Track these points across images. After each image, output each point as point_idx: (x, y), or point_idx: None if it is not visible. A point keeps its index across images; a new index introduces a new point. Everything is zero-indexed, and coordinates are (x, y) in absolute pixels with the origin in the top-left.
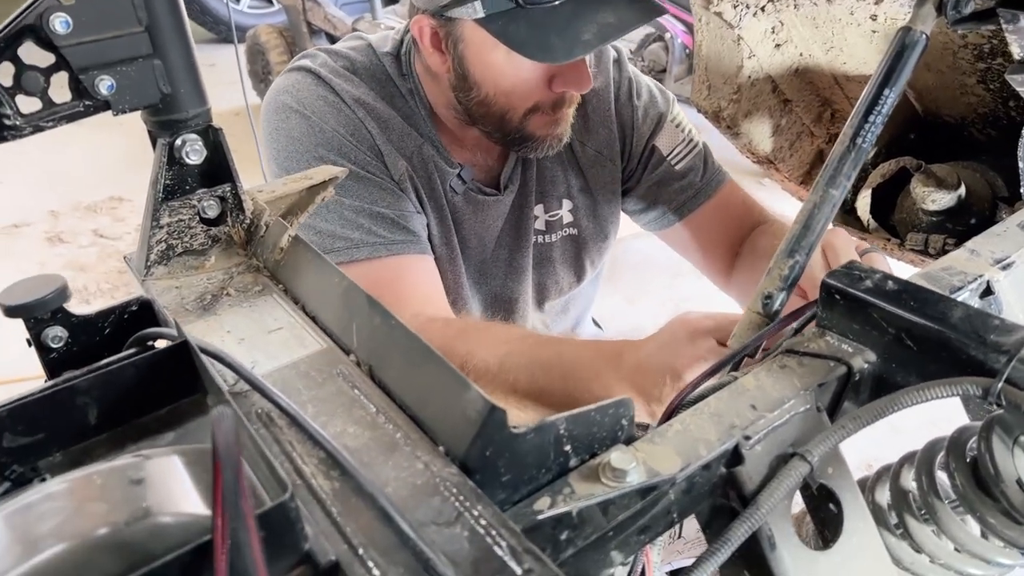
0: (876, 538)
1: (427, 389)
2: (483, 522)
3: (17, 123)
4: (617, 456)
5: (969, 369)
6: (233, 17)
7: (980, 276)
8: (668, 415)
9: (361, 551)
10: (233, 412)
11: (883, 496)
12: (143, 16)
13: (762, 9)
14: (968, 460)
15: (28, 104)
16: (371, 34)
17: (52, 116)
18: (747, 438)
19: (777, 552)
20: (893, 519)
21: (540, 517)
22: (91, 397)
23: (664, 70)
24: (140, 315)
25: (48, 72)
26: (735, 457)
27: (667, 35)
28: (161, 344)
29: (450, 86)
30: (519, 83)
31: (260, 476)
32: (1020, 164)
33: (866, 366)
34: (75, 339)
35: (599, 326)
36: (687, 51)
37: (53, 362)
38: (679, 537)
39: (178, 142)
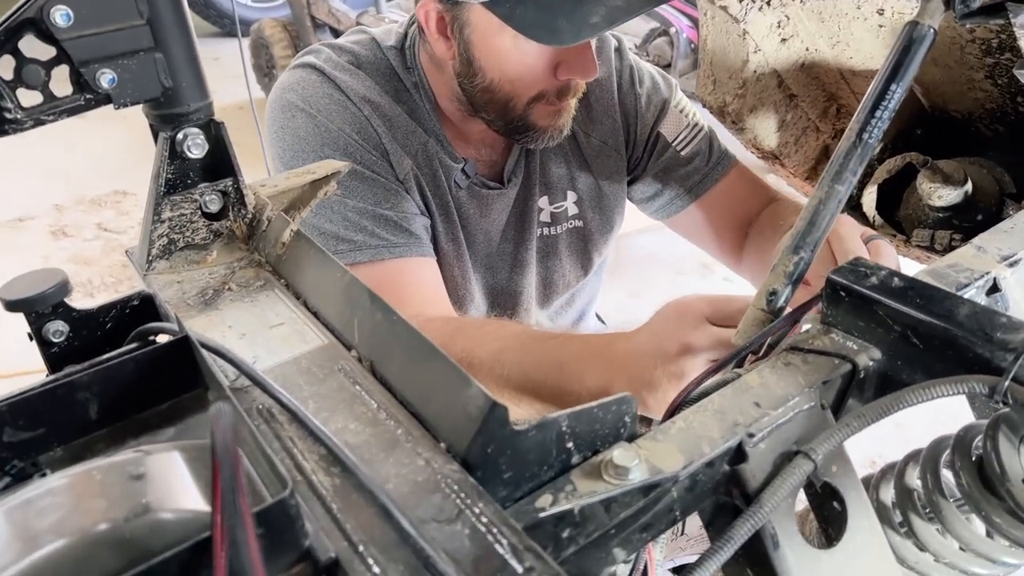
0: (880, 536)
1: (428, 385)
2: (484, 519)
3: (18, 116)
4: (619, 453)
5: (975, 367)
6: (237, 11)
7: (987, 273)
8: (671, 412)
9: (361, 548)
10: (231, 409)
11: (887, 494)
12: (144, 9)
13: (768, 3)
14: (974, 459)
15: (29, 97)
16: (375, 28)
17: (53, 110)
18: (751, 436)
19: (780, 550)
20: (898, 517)
21: (542, 515)
22: (92, 392)
23: (669, 65)
24: (141, 309)
25: (49, 65)
26: (738, 455)
27: (672, 30)
28: (162, 339)
29: (455, 73)
30: (524, 69)
31: (260, 472)
32: None
33: (871, 363)
34: (76, 333)
35: (603, 321)
36: (692, 46)
37: (54, 356)
38: (682, 534)
39: (180, 136)
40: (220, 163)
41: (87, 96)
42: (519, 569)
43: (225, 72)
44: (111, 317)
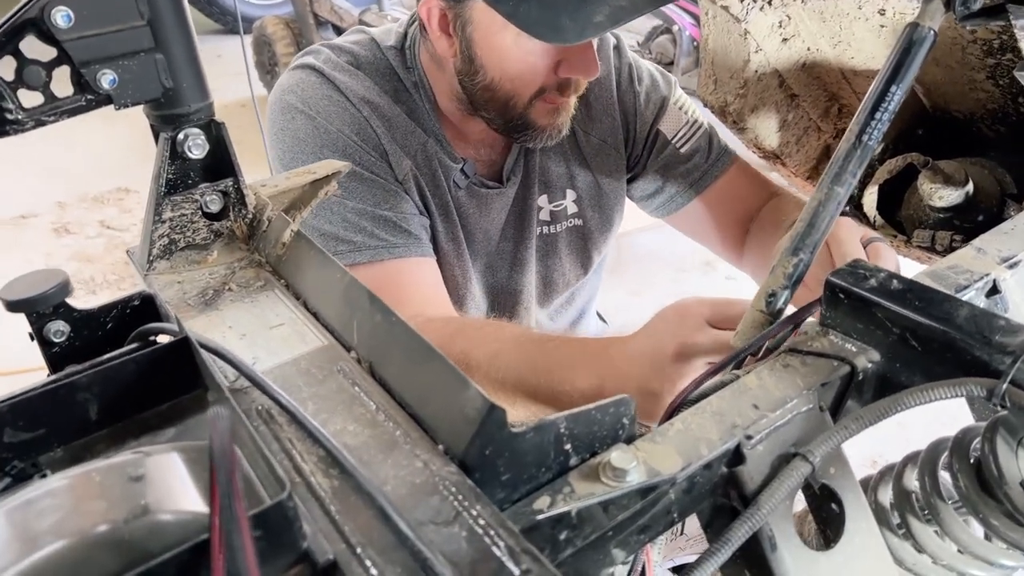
0: (878, 538)
1: (427, 387)
2: (481, 522)
3: (19, 117)
4: (618, 455)
5: (974, 370)
6: (239, 8)
7: (986, 275)
8: (670, 413)
9: (359, 550)
10: (229, 412)
11: (886, 496)
12: (145, 10)
13: (769, 3)
14: (972, 461)
15: (30, 98)
16: (377, 25)
17: (54, 110)
18: (749, 438)
19: (778, 552)
20: (896, 519)
21: (539, 517)
22: (92, 393)
23: (672, 63)
24: (142, 310)
25: (50, 66)
26: (736, 457)
27: (675, 28)
28: (163, 339)
29: (456, 71)
30: (526, 67)
31: (259, 474)
32: None
33: (870, 366)
34: (77, 333)
35: (604, 320)
36: (695, 44)
37: (55, 356)
38: (681, 534)
39: (180, 136)
40: (221, 163)
41: (88, 97)
42: (516, 571)
43: (227, 69)
44: (112, 317)
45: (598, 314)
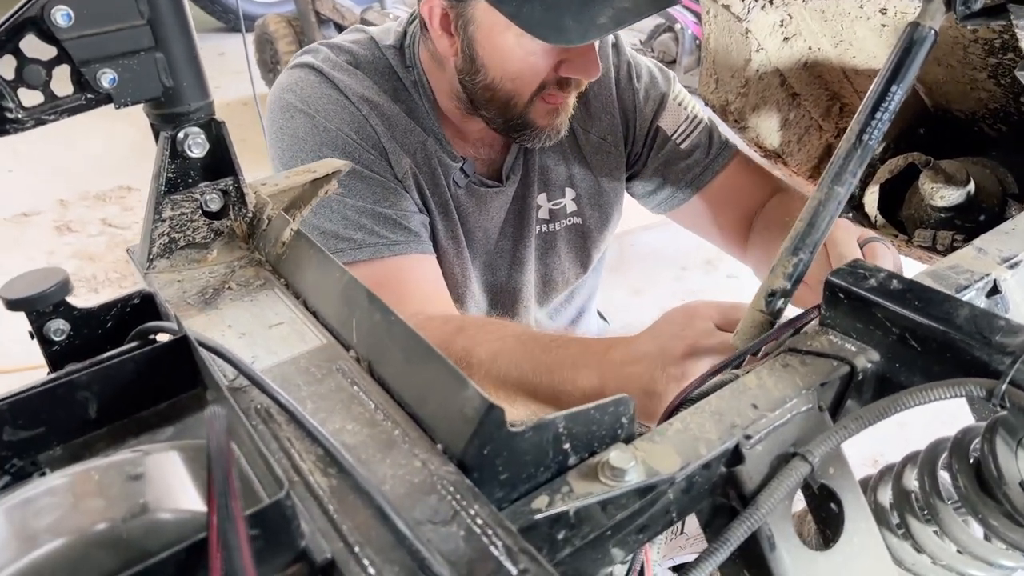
0: (877, 538)
1: (426, 386)
2: (479, 521)
3: (19, 116)
4: (616, 455)
5: (973, 370)
6: (241, 6)
7: (987, 275)
8: (670, 413)
9: (357, 549)
10: (226, 412)
11: (885, 496)
12: (145, 9)
13: (770, 2)
14: (971, 461)
15: (30, 97)
16: (379, 24)
17: (54, 109)
18: (748, 437)
19: (777, 552)
20: (895, 519)
21: (537, 516)
22: (91, 391)
23: (674, 61)
24: (142, 308)
25: (50, 65)
26: (735, 456)
27: (677, 26)
28: (162, 338)
29: (456, 70)
30: (527, 67)
31: (258, 473)
32: None
33: (869, 366)
34: (77, 332)
35: (605, 319)
36: (697, 42)
37: (55, 355)
38: (681, 533)
39: (180, 135)
40: (221, 162)
41: (88, 96)
42: (514, 571)
43: (229, 67)
44: (112, 316)
45: (599, 313)
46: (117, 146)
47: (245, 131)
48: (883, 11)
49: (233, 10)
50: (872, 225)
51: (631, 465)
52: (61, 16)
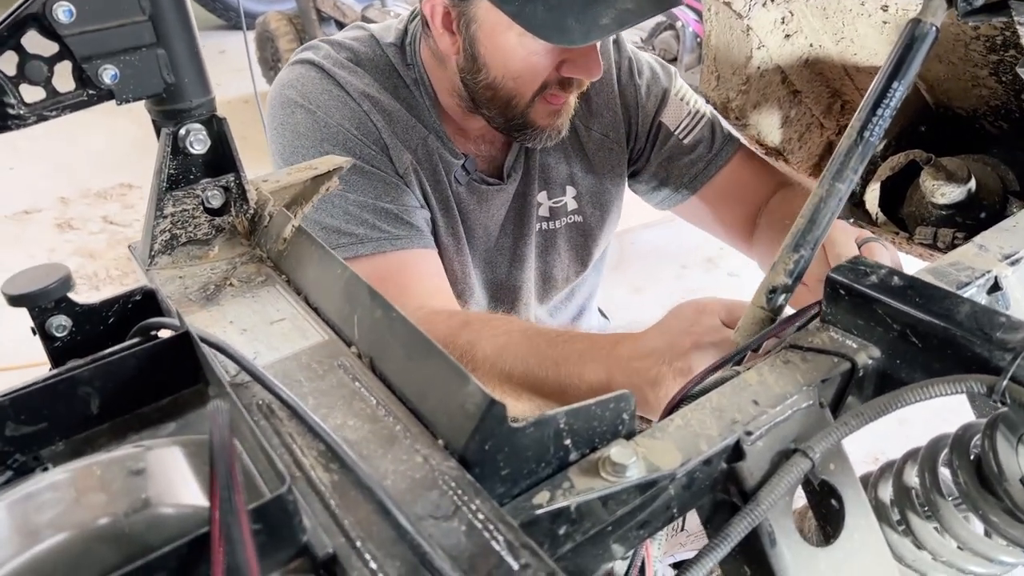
0: (878, 534)
1: (427, 382)
2: (481, 516)
3: (21, 112)
4: (617, 451)
5: (974, 366)
6: (242, 4)
7: (988, 272)
8: (671, 409)
9: (359, 544)
10: (228, 407)
11: (886, 492)
12: (146, 5)
13: None
14: (972, 458)
15: (32, 93)
16: (379, 21)
17: (56, 105)
18: (748, 434)
19: (777, 548)
20: (896, 516)
21: (539, 512)
22: (93, 387)
23: (675, 59)
24: (144, 304)
25: (52, 61)
26: (736, 453)
27: (678, 23)
28: (164, 334)
29: (458, 69)
30: (528, 67)
31: (260, 468)
32: None
33: (870, 362)
34: (79, 328)
35: (605, 316)
36: (698, 40)
37: (57, 351)
38: (682, 530)
39: (182, 132)
40: (222, 159)
41: (89, 92)
42: (515, 566)
43: (231, 65)
44: (113, 312)
45: (600, 310)
46: (118, 143)
47: (246, 129)
48: (884, 8)
49: (234, 8)
50: (873, 222)
51: (632, 461)
52: (63, 12)
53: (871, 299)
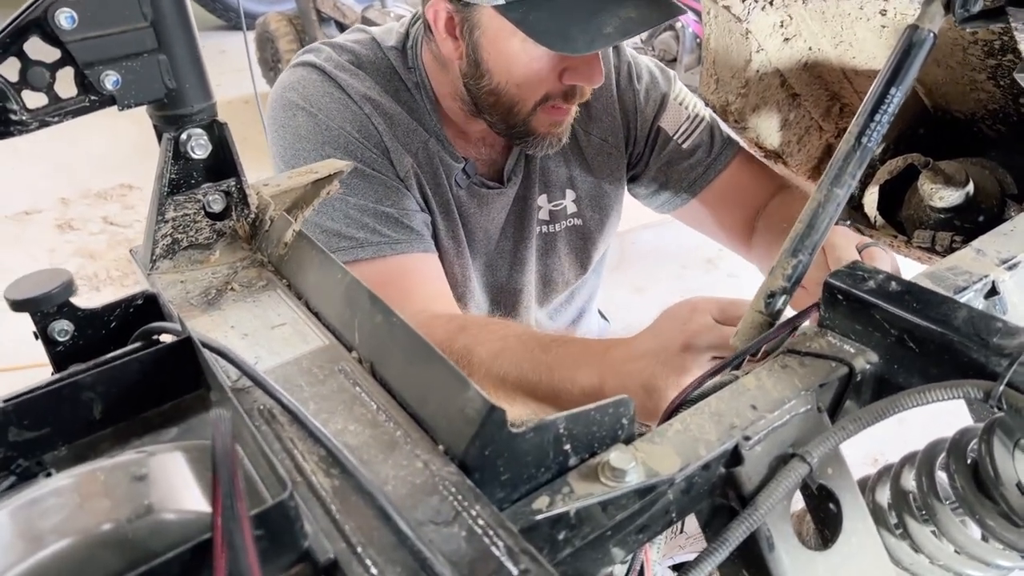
0: (875, 538)
1: (427, 387)
2: (481, 522)
3: (23, 118)
4: (616, 456)
5: (971, 372)
6: (242, 4)
7: (985, 276)
8: (669, 413)
9: (360, 549)
10: (231, 415)
11: (883, 496)
12: (148, 11)
13: (771, 3)
14: (969, 462)
15: (34, 99)
16: (380, 22)
17: (58, 111)
18: (747, 438)
19: (775, 552)
20: (893, 519)
21: (538, 517)
22: (96, 392)
23: (674, 59)
24: (145, 309)
25: (54, 67)
26: (735, 457)
27: (678, 24)
28: (166, 339)
29: (460, 74)
30: (531, 74)
31: (261, 473)
32: None
33: (868, 367)
34: (81, 332)
35: (605, 318)
36: (698, 41)
37: (59, 355)
38: (680, 532)
39: (183, 137)
40: (223, 163)
41: (91, 98)
42: (515, 571)
43: (231, 66)
44: (115, 316)
45: (600, 312)
46: (118, 144)
47: (246, 129)
48: (883, 12)
49: (234, 8)
50: (871, 226)
51: (631, 466)
52: (65, 18)
53: (869, 304)
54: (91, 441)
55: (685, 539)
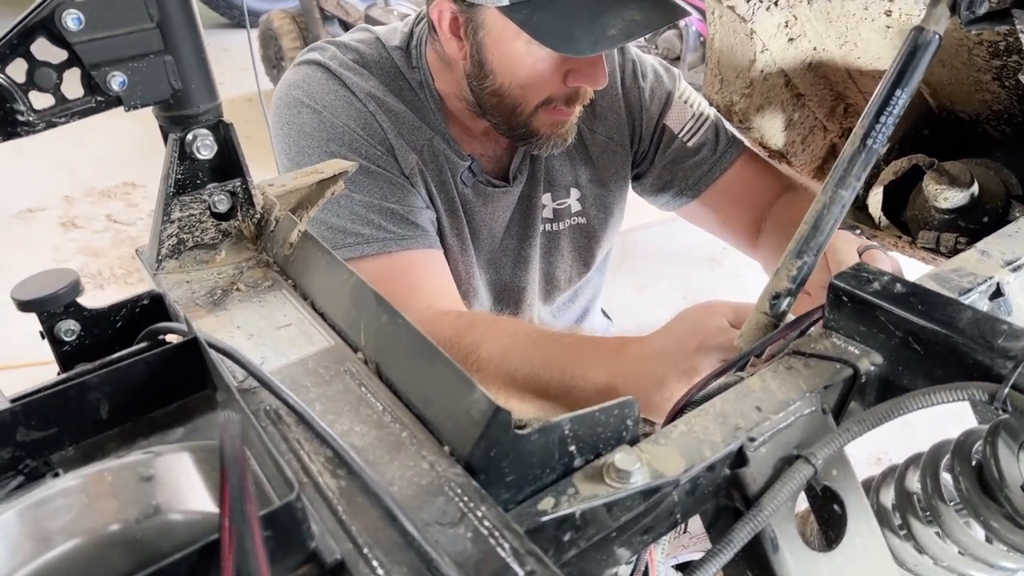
0: (880, 540)
1: (433, 388)
2: (487, 523)
3: (31, 119)
4: (621, 457)
5: (976, 374)
6: (246, 2)
7: (990, 278)
8: (675, 415)
9: (366, 550)
10: (239, 417)
11: (888, 497)
12: (154, 12)
13: (775, 3)
14: (973, 464)
15: (41, 100)
16: (383, 21)
17: (65, 112)
18: (752, 440)
19: (780, 553)
20: (897, 521)
21: (544, 518)
22: (102, 392)
23: (678, 58)
24: (151, 309)
25: (61, 68)
26: (739, 459)
27: (682, 23)
28: (172, 339)
29: (464, 74)
30: (535, 75)
31: (268, 474)
32: None
33: (872, 368)
34: (87, 332)
35: (608, 317)
36: (701, 39)
37: (66, 355)
38: (685, 532)
39: (189, 137)
40: (229, 164)
41: (98, 98)
42: (520, 572)
43: (234, 63)
44: (121, 316)
45: (603, 312)
46: (122, 143)
47: (250, 128)
48: (888, 13)
49: (238, 6)
50: (876, 226)
51: (636, 467)
52: (72, 20)
53: (874, 306)
54: (98, 441)
55: (689, 539)
